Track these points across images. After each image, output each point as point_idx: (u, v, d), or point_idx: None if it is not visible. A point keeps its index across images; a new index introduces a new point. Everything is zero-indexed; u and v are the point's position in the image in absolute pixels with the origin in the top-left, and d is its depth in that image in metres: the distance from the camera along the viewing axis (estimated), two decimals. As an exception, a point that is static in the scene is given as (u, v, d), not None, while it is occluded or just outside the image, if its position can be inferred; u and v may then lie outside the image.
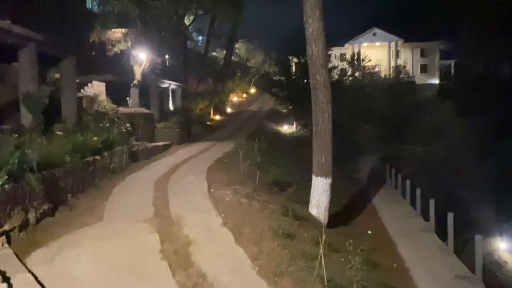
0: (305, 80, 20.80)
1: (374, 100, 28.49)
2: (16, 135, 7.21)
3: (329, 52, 23.41)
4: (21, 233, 6.11)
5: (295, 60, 25.78)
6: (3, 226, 5.74)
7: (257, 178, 10.61)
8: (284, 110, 28.28)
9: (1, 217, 5.71)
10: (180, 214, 7.57)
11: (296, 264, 5.80)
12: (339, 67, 31.59)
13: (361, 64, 36.45)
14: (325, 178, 9.39)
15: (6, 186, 5.83)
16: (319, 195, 9.41)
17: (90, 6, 20.53)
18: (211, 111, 28.84)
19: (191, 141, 19.38)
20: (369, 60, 36.79)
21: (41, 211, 6.77)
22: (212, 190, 9.35)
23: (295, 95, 23.35)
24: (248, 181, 10.37)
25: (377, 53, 43.28)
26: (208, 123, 26.28)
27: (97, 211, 7.76)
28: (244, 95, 40.34)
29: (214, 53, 43.94)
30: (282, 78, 26.04)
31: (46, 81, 14.65)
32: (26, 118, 10.03)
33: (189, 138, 19.76)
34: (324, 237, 5.46)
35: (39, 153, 7.00)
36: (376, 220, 12.04)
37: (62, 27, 12.77)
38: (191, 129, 21.12)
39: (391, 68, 43.23)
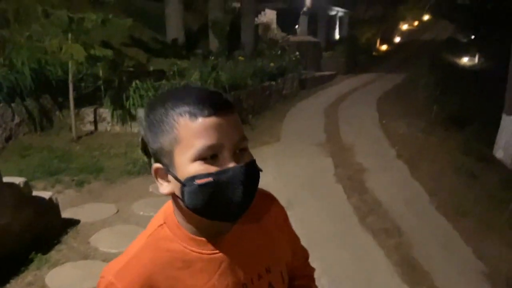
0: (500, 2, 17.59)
1: None
2: (212, 58, 8.12)
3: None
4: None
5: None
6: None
7: (433, 113, 9.85)
8: (465, 40, 24.75)
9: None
10: (352, 142, 7.66)
11: (480, 205, 5.38)
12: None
13: None
14: (519, 118, 8.15)
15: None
16: (509, 137, 8.27)
17: None
18: (378, 40, 27.14)
19: (356, 71, 18.83)
20: None
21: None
22: (384, 121, 9.11)
23: (481, 20, 20.09)
24: (423, 115, 9.73)
25: None
26: (374, 53, 24.96)
27: (274, 132, 8.41)
28: (416, 23, 36.48)
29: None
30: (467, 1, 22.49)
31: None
32: (213, 43, 11.16)
33: (355, 69, 19.21)
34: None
35: (227, 75, 7.79)
36: None
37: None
38: (357, 59, 20.43)
39: None
